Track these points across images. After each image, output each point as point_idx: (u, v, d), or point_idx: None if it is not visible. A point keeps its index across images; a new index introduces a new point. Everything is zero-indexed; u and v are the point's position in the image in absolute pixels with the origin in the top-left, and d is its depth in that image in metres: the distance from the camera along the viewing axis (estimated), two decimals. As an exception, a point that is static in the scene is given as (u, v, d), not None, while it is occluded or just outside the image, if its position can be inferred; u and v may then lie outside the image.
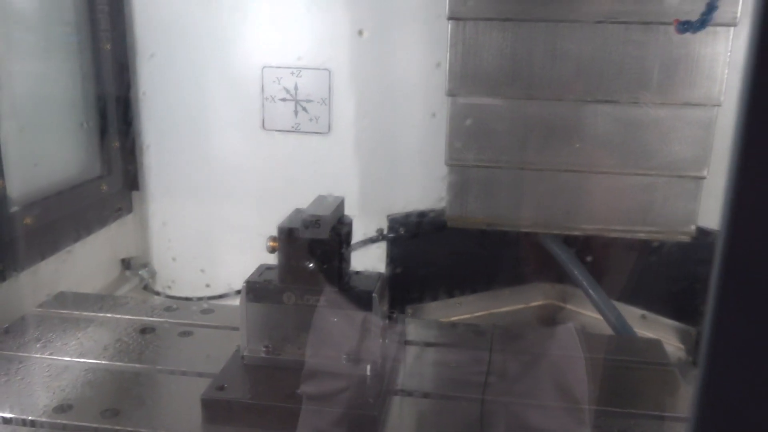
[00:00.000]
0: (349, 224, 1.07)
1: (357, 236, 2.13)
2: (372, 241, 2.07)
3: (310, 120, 2.05)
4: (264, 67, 2.02)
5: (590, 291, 1.80)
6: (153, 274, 2.28)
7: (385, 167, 2.04)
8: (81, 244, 1.87)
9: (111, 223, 2.05)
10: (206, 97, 2.07)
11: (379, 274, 1.09)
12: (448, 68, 1.71)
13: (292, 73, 2.01)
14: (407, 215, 2.03)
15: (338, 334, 1.01)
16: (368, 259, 2.14)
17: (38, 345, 1.18)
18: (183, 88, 2.06)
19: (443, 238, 1.95)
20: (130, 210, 2.15)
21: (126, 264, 2.23)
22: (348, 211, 2.08)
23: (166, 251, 2.25)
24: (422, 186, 1.99)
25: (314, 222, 0.98)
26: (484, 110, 1.73)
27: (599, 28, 1.63)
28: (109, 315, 1.32)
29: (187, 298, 2.07)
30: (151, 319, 1.30)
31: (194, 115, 2.08)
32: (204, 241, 2.21)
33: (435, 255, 2.02)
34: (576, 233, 1.79)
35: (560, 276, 1.94)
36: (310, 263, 1.00)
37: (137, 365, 1.15)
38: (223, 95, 2.07)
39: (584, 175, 1.73)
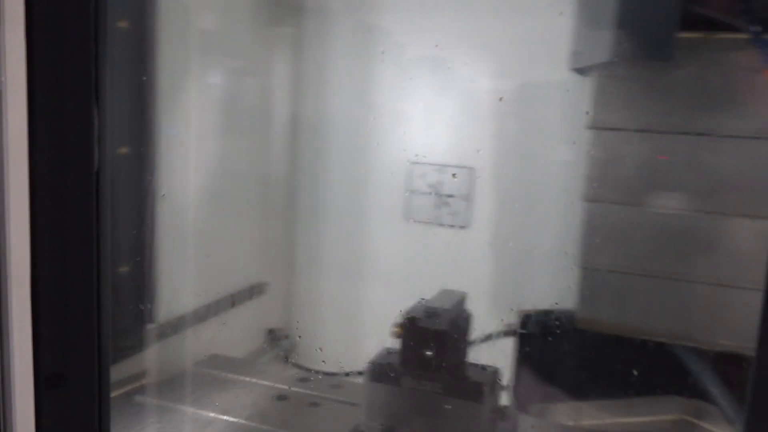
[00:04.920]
0: (468, 318, 1.14)
1: (486, 329, 2.18)
2: (503, 335, 2.10)
3: (451, 214, 2.16)
4: (412, 162, 2.18)
5: (728, 410, 1.71)
6: (294, 347, 2.45)
7: (518, 264, 2.09)
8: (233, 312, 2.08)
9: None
10: (355, 187, 2.26)
11: (495, 369, 1.15)
12: (586, 175, 1.77)
13: (437, 170, 2.15)
14: (538, 313, 2.05)
15: (451, 422, 1.07)
16: (494, 354, 2.17)
17: (191, 399, 1.34)
18: (337, 178, 2.28)
19: (574, 340, 1.95)
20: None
21: (270, 334, 2.42)
22: (479, 304, 2.15)
23: (309, 325, 2.42)
24: (555, 286, 2.01)
25: (436, 313, 1.07)
26: (620, 217, 1.75)
27: (745, 142, 1.63)
28: (251, 379, 1.46)
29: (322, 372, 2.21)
30: (286, 387, 1.43)
31: (343, 201, 2.28)
32: (341, 319, 2.36)
33: (565, 356, 2.01)
34: (714, 348, 1.73)
35: (696, 391, 1.86)
36: (429, 351, 1.08)
37: (269, 428, 1.27)
38: (370, 186, 2.25)
39: (724, 290, 1.69)
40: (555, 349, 2.03)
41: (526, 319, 2.06)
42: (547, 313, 2.03)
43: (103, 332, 0.58)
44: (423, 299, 1.16)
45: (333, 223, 2.32)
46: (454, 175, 2.08)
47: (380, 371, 1.12)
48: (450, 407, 1.07)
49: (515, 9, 1.94)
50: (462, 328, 1.10)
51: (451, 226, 2.17)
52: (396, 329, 1.12)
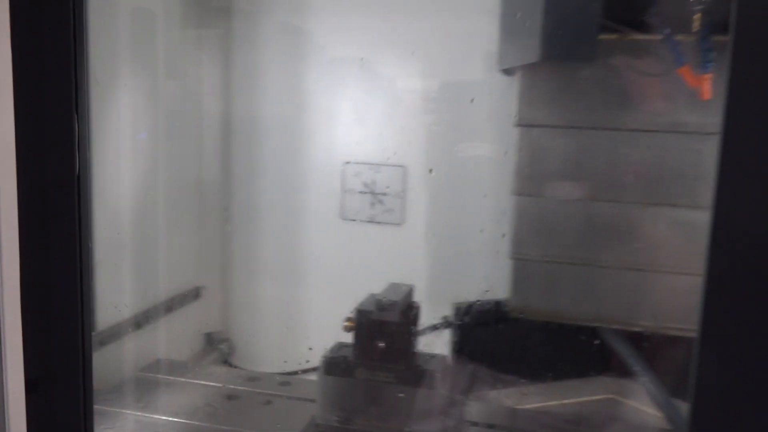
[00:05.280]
0: (417, 309, 1.19)
1: (423, 322, 2.25)
2: (437, 327, 2.17)
3: (385, 212, 2.22)
4: (345, 162, 2.22)
5: (651, 387, 1.83)
6: (233, 349, 2.44)
7: (452, 258, 2.17)
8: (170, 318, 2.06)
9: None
10: (291, 188, 2.28)
11: (444, 357, 1.20)
12: (515, 170, 1.86)
13: (371, 169, 2.20)
14: (472, 304, 2.12)
15: (403, 409, 1.12)
16: (434, 345, 2.23)
17: (140, 404, 1.34)
18: (271, 180, 2.29)
19: (507, 328, 2.03)
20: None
21: (209, 338, 2.40)
22: (416, 298, 2.22)
23: (247, 328, 2.42)
24: (488, 277, 2.09)
25: (387, 306, 1.12)
26: (548, 209, 1.85)
27: (659, 136, 1.75)
28: (201, 382, 1.47)
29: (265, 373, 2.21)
30: (236, 387, 1.44)
31: (279, 202, 2.30)
32: (283, 320, 2.37)
33: (499, 344, 2.09)
34: (636, 329, 1.84)
35: (623, 371, 1.98)
36: (381, 343, 1.12)
37: (224, 427, 1.28)
38: (306, 187, 2.27)
39: (644, 274, 1.81)
40: (489, 337, 2.11)
41: (461, 310, 2.13)
42: (480, 304, 2.11)
43: (86, 334, 0.60)
44: (373, 293, 1.21)
45: (268, 224, 2.33)
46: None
47: (334, 364, 1.16)
48: (403, 395, 1.12)
49: (445, 11, 2.01)
50: (412, 318, 1.15)
51: (386, 223, 2.22)
52: (347, 323, 1.16)
